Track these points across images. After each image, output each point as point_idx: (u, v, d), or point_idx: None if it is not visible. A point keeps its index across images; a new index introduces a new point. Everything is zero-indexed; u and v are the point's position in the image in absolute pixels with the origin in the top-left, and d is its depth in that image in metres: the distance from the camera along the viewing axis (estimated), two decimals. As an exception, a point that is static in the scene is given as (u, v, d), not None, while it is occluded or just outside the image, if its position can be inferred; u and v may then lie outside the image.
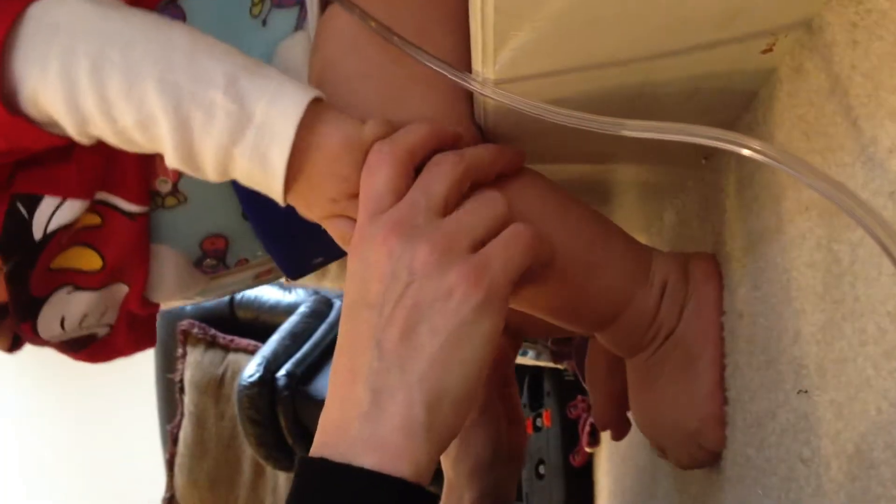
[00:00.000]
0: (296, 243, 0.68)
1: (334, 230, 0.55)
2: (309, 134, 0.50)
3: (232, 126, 0.49)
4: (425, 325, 0.46)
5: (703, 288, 0.62)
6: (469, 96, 0.58)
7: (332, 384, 0.48)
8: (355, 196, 0.51)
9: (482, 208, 0.50)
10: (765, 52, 0.50)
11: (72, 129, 0.51)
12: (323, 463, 0.45)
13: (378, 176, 0.50)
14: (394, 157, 0.51)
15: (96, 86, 0.49)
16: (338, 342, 0.49)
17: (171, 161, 0.51)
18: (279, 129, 0.49)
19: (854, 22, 0.42)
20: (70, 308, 0.62)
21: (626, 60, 0.50)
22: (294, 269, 0.72)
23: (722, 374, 0.62)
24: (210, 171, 0.51)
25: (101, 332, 0.66)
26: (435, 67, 0.52)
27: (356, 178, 0.51)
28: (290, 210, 0.61)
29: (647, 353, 0.63)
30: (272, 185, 0.51)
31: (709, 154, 0.67)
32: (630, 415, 0.74)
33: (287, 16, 0.61)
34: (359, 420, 0.45)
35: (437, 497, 0.46)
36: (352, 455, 0.44)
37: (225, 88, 0.49)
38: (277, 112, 0.49)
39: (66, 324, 0.63)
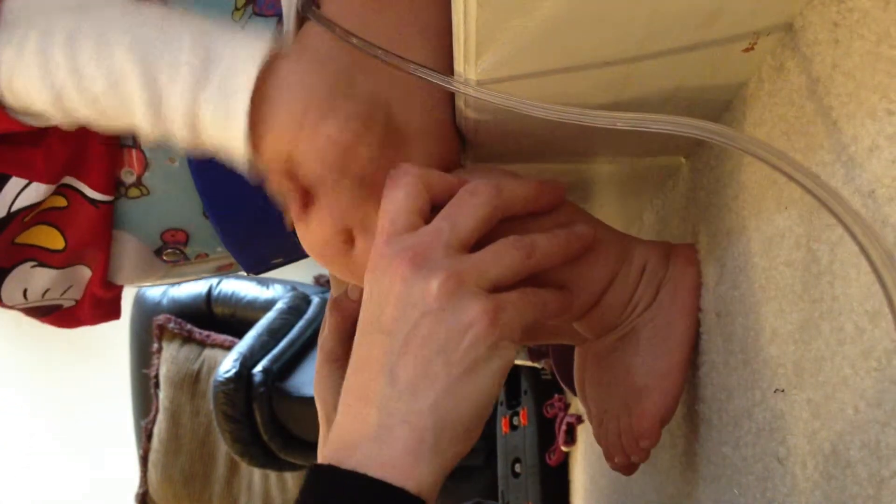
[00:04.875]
0: (255, 244, 0.69)
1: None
2: (270, 69, 0.50)
3: (196, 77, 0.50)
4: (440, 357, 0.47)
5: (682, 273, 0.63)
6: (447, 109, 0.58)
7: (343, 402, 0.50)
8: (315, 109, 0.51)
9: (506, 256, 0.50)
10: (746, 50, 0.50)
11: (49, 108, 0.52)
12: (331, 469, 0.46)
13: (397, 198, 0.51)
14: (416, 177, 0.51)
15: (69, 56, 0.50)
16: (351, 361, 0.51)
17: (144, 124, 0.51)
18: (243, 67, 0.50)
19: (836, 21, 0.42)
20: (32, 281, 0.64)
21: (607, 59, 0.50)
22: (252, 267, 0.73)
23: (689, 356, 0.62)
24: (180, 129, 0.51)
25: (67, 304, 0.68)
26: (419, 74, 0.51)
27: (321, 88, 0.51)
28: (250, 213, 0.63)
29: (616, 332, 0.63)
30: (235, 128, 0.51)
31: (689, 154, 0.68)
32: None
33: (265, 25, 0.61)
34: (367, 442, 0.46)
35: None
36: (360, 470, 0.45)
37: (192, 44, 0.50)
38: (242, 58, 0.50)
39: (29, 294, 0.65)
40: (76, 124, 0.54)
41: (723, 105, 0.57)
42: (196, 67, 0.50)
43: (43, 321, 0.69)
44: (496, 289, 0.49)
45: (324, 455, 0.48)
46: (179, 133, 0.52)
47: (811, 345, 0.44)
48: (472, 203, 0.51)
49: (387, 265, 0.49)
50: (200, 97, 0.50)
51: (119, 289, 0.69)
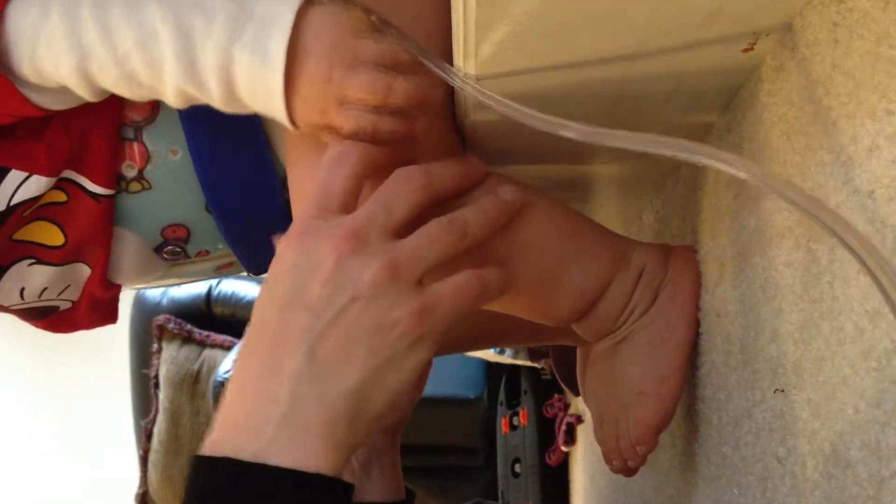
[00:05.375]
0: (257, 239, 0.68)
1: (344, 119, 0.51)
2: (307, 24, 0.49)
3: (232, 25, 0.49)
4: (363, 345, 0.46)
5: (681, 276, 0.62)
6: (443, 106, 0.58)
7: (243, 376, 0.48)
8: (348, 66, 0.50)
9: (441, 241, 0.50)
10: (745, 50, 0.50)
11: (73, 75, 0.51)
12: (232, 463, 0.45)
13: (337, 173, 0.50)
14: (358, 163, 0.50)
15: (98, 16, 0.50)
16: (256, 332, 0.49)
17: (174, 80, 0.50)
18: (278, 18, 0.49)
19: (835, 21, 0.42)
20: (30, 280, 0.63)
21: (607, 59, 0.50)
22: (254, 265, 0.72)
23: (687, 361, 0.62)
24: (213, 85, 0.50)
25: (63, 305, 0.67)
26: (434, 65, 0.51)
27: (346, 47, 0.50)
28: (254, 207, 0.62)
29: (615, 335, 0.63)
30: (272, 82, 0.49)
31: (689, 153, 0.68)
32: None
33: None
34: (276, 422, 0.45)
35: (353, 487, 0.47)
36: (265, 456, 0.44)
37: None
38: (276, 4, 0.49)
39: (26, 294, 0.63)
40: (95, 94, 0.53)
41: (722, 105, 0.57)
42: (231, 13, 0.49)
43: (37, 325, 0.68)
44: (428, 272, 0.49)
45: (217, 437, 0.47)
46: (213, 88, 0.51)
47: (811, 345, 0.44)
48: (405, 189, 0.50)
49: (320, 240, 0.48)
50: (236, 44, 0.49)
51: (117, 289, 0.68)
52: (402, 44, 0.51)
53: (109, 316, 0.70)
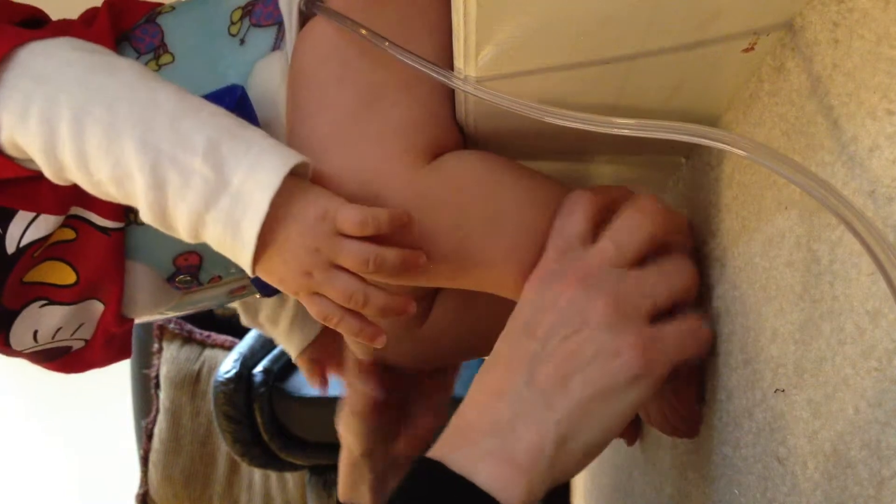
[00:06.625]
0: None
1: (313, 306, 0.54)
2: (284, 205, 0.50)
3: (208, 192, 0.49)
4: (580, 374, 0.48)
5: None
6: (450, 102, 0.58)
7: (476, 391, 0.51)
8: (329, 268, 0.52)
9: (673, 276, 0.51)
10: (746, 50, 0.50)
11: (49, 174, 0.52)
12: (439, 467, 0.47)
13: (574, 216, 0.53)
14: (593, 201, 0.53)
15: (75, 138, 0.49)
16: (493, 357, 0.52)
17: (145, 217, 0.51)
18: (254, 198, 0.49)
19: (836, 21, 0.42)
20: (43, 321, 0.62)
21: (608, 59, 0.50)
22: (267, 287, 0.71)
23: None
24: (182, 233, 0.51)
25: (76, 345, 0.66)
26: (422, 68, 0.52)
27: (328, 250, 0.51)
28: None
29: None
30: (242, 255, 0.51)
31: (689, 153, 0.68)
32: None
33: (264, 35, 0.60)
34: (491, 433, 0.47)
35: None
36: (472, 463, 0.46)
37: (204, 154, 0.49)
38: (255, 181, 0.49)
39: (39, 336, 0.62)
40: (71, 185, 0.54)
41: (723, 105, 0.57)
42: (209, 180, 0.49)
43: (48, 367, 0.66)
44: (662, 309, 0.50)
45: (443, 436, 0.50)
46: (182, 234, 0.52)
47: (811, 345, 0.44)
48: (638, 222, 0.52)
49: (555, 279, 0.51)
50: (210, 212, 0.49)
51: (131, 323, 0.67)
52: (396, 55, 0.52)
53: (123, 351, 0.69)
